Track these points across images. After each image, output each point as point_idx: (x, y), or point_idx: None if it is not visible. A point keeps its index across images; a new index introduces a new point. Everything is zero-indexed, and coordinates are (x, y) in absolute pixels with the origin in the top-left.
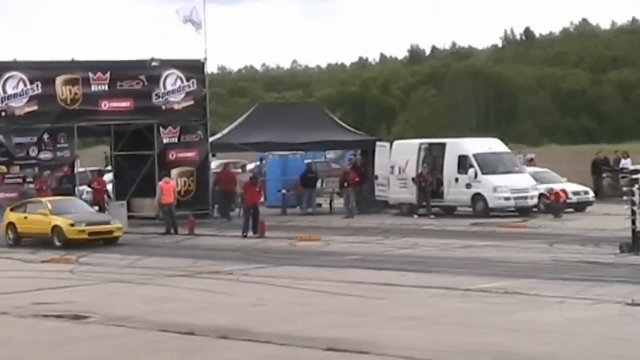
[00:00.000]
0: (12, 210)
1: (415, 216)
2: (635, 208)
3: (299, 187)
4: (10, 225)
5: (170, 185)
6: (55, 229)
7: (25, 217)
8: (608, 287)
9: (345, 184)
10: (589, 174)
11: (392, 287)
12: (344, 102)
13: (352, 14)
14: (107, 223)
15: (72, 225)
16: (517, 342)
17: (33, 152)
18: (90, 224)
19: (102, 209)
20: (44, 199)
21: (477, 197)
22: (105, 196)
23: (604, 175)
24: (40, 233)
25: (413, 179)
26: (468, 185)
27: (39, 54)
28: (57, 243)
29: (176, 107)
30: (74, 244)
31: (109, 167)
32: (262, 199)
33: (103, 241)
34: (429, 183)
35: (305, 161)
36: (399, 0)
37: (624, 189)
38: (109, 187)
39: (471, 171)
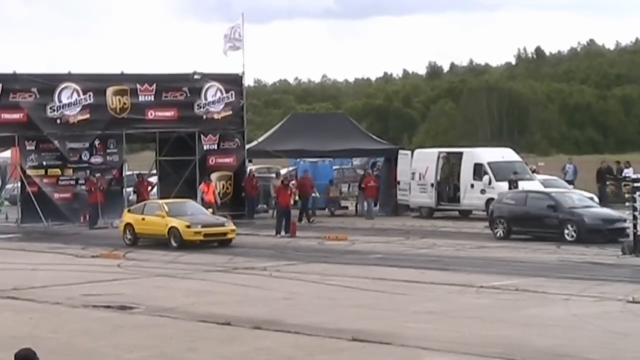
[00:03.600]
0: (129, 211)
1: None
2: (636, 213)
3: (328, 191)
4: (128, 225)
5: (210, 187)
6: (172, 230)
7: (143, 219)
8: (611, 286)
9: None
10: (594, 182)
11: (412, 283)
12: (369, 113)
13: (376, 32)
14: (222, 225)
15: (188, 226)
16: (527, 335)
17: (85, 156)
18: (205, 226)
19: None
20: (161, 201)
21: (491, 201)
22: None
23: (607, 183)
24: (157, 234)
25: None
26: (482, 191)
27: (91, 67)
28: (174, 244)
29: (216, 116)
30: (190, 245)
31: (154, 171)
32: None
33: (217, 243)
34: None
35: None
36: (420, 20)
37: (626, 195)
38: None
39: (486, 178)
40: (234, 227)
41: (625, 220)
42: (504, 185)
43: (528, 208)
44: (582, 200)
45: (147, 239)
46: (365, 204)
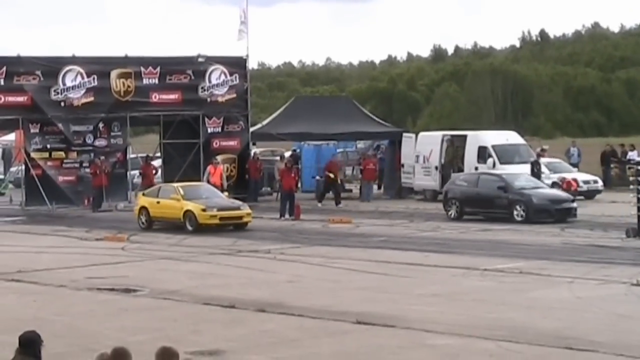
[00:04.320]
0: (144, 195)
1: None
2: None
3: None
4: (143, 209)
5: (218, 169)
6: (188, 213)
7: (158, 202)
8: (615, 269)
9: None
10: (598, 165)
11: (416, 266)
12: (373, 96)
13: (381, 15)
14: (238, 209)
15: (204, 210)
16: (531, 318)
17: (89, 139)
18: (221, 209)
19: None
20: (176, 185)
21: None
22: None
23: (612, 166)
24: (172, 217)
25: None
26: None
27: (95, 49)
28: (189, 227)
29: (220, 99)
30: (205, 229)
31: (158, 154)
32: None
33: (233, 226)
34: None
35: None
36: (425, 2)
37: (630, 178)
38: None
39: (490, 161)
40: (249, 211)
41: (572, 201)
42: (508, 168)
43: (479, 189)
44: (531, 181)
45: (162, 222)
46: (361, 186)
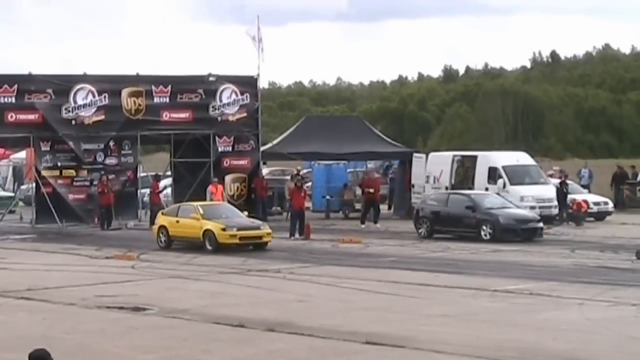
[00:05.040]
0: (163, 214)
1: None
2: None
3: (342, 194)
4: (162, 228)
5: (219, 188)
6: (207, 233)
7: (177, 221)
8: (625, 291)
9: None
10: (609, 186)
11: (426, 286)
12: (384, 116)
13: (391, 35)
14: (258, 228)
15: (223, 229)
16: (541, 339)
17: (100, 157)
18: (241, 229)
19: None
20: (195, 204)
21: None
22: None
23: (623, 187)
24: (191, 237)
25: None
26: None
27: (106, 68)
28: (209, 247)
29: (231, 118)
30: (225, 248)
31: (168, 173)
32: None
33: (252, 246)
34: None
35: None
36: (435, 23)
37: None
38: (168, 191)
39: (500, 182)
40: (269, 230)
41: (539, 221)
42: (519, 189)
43: (449, 209)
44: (499, 201)
45: (181, 241)
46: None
